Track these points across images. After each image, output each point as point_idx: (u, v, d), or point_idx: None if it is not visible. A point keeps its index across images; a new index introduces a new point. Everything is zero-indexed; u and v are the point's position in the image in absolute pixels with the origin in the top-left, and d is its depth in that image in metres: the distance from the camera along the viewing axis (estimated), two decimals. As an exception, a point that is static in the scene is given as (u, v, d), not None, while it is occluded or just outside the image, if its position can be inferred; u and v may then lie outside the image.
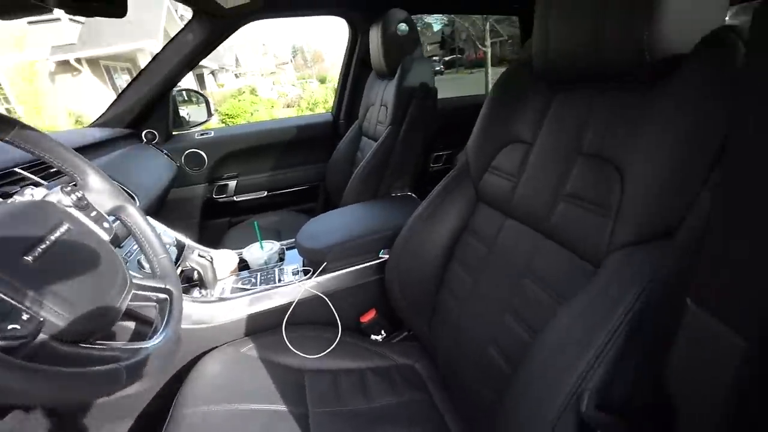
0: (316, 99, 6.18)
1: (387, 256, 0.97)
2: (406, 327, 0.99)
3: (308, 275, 0.95)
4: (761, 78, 0.25)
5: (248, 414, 0.69)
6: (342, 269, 0.97)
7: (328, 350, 0.86)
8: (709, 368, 0.27)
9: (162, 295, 0.61)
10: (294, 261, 1.06)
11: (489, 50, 9.97)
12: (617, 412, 0.38)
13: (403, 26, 1.24)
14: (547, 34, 0.58)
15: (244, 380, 0.77)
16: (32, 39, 9.20)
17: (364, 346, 0.91)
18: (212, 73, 20.01)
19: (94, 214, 0.60)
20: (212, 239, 1.57)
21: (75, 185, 0.61)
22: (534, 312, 0.59)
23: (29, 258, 0.44)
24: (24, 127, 0.54)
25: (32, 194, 0.58)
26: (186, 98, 1.86)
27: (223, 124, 10.44)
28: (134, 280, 0.60)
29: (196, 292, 0.95)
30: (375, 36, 1.32)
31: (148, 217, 0.98)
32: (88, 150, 1.19)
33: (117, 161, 1.23)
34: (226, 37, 1.42)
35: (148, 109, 1.52)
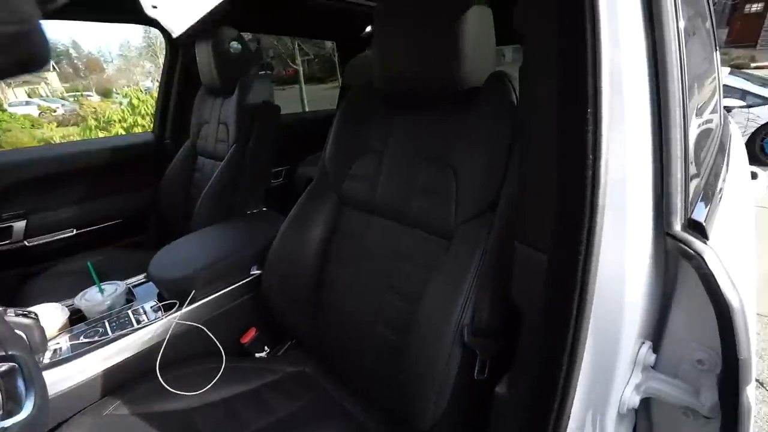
0: (109, 116, 5.13)
1: (259, 272, 0.97)
2: (289, 337, 1.01)
3: (175, 308, 0.87)
4: (526, 106, 0.44)
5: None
6: (213, 293, 0.93)
7: (215, 380, 0.82)
8: (532, 281, 0.45)
9: (4, 366, 0.49)
10: (146, 298, 0.95)
11: (300, 68, 10.35)
12: (485, 334, 0.55)
13: (235, 44, 1.25)
14: (385, 64, 0.73)
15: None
16: None
17: (252, 366, 0.90)
18: None
19: None
20: (8, 299, 1.19)
21: None
22: (409, 284, 0.74)
23: None
24: None
25: None
26: None
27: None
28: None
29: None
30: (205, 53, 1.28)
31: None
32: None
33: None
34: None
35: None
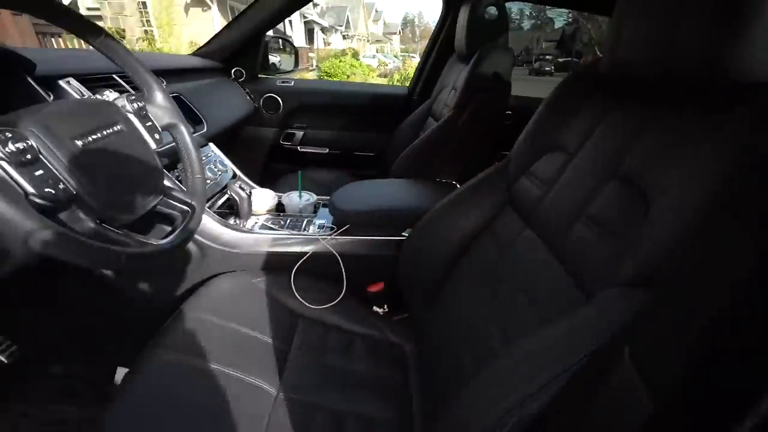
0: (410, 75, 6.13)
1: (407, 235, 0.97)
2: (409, 309, 1.00)
3: (331, 232, 0.99)
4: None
5: (237, 335, 0.76)
6: (363, 236, 1.00)
7: (328, 305, 0.90)
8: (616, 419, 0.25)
9: (185, 208, 0.68)
10: (324, 217, 1.11)
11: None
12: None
13: (492, 10, 1.18)
14: (619, 35, 0.52)
15: (245, 306, 0.84)
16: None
17: (364, 313, 0.94)
18: (322, 30, 20.68)
19: (149, 124, 0.68)
20: (269, 180, 1.68)
21: (141, 97, 0.69)
22: (516, 326, 0.57)
23: (79, 142, 0.52)
24: (108, 36, 0.62)
25: (107, 95, 0.67)
26: (279, 46, 1.97)
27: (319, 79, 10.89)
28: (167, 190, 0.68)
29: (231, 219, 1.04)
30: (463, 15, 1.27)
31: (210, 145, 1.08)
32: (182, 73, 1.33)
33: (201, 88, 1.35)
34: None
35: (241, 48, 1.64)
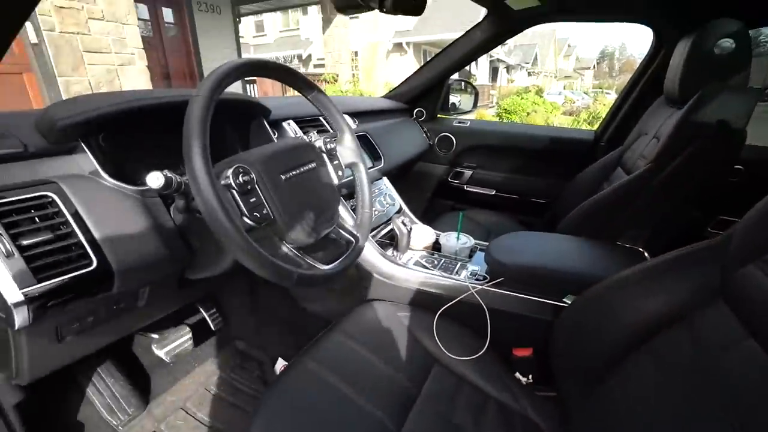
0: (601, 113, 5.47)
1: (568, 303, 0.84)
2: (558, 388, 0.85)
3: (482, 282, 0.95)
4: None
5: (373, 365, 0.79)
6: (517, 293, 0.92)
7: (467, 357, 0.85)
8: None
9: (351, 239, 0.77)
10: (479, 264, 1.07)
11: None
12: None
13: (727, 43, 0.95)
14: None
15: (386, 338, 0.87)
16: (383, 23, 12.03)
17: (504, 377, 0.85)
18: (507, 68, 20.74)
19: (336, 162, 0.80)
20: (432, 214, 1.74)
21: (334, 138, 0.82)
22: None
23: (283, 177, 0.64)
24: (320, 92, 0.76)
25: (311, 136, 0.82)
26: (461, 87, 2.06)
27: (498, 117, 10.86)
28: (339, 220, 0.77)
29: (390, 251, 1.12)
30: (680, 51, 1.06)
31: (383, 179, 1.19)
32: (372, 114, 1.54)
33: (386, 128, 1.52)
34: (511, 36, 1.47)
35: (425, 91, 1.79)
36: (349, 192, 1.06)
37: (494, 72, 19.14)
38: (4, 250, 0.50)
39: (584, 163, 1.56)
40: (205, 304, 1.24)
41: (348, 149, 0.82)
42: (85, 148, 0.66)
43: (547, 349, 0.84)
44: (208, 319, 1.21)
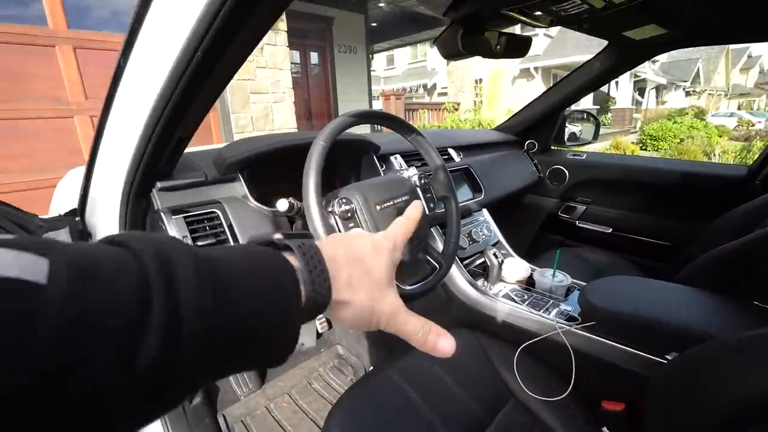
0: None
1: (668, 359, 0.76)
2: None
3: (571, 323, 0.91)
4: None
5: (450, 387, 0.84)
6: (610, 340, 0.86)
7: (547, 398, 0.84)
8: None
9: (435, 265, 0.84)
10: (573, 305, 1.03)
11: None
12: None
13: None
14: None
15: (467, 363, 0.91)
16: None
17: (587, 428, 0.81)
18: (656, 88, 18.13)
19: (429, 195, 0.89)
20: (538, 249, 1.68)
21: (429, 174, 0.92)
22: None
23: (379, 207, 0.76)
24: (418, 134, 0.87)
25: (407, 170, 0.93)
26: (583, 117, 1.97)
27: (641, 144, 9.55)
28: (429, 248, 0.86)
29: (480, 281, 1.15)
30: None
31: (483, 211, 1.24)
32: (479, 147, 1.60)
33: (491, 161, 1.56)
34: (634, 67, 1.38)
35: (538, 122, 1.77)
36: (442, 223, 1.14)
37: (640, 93, 16.93)
38: None
39: (729, 204, 1.34)
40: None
41: (441, 184, 0.90)
42: (241, 178, 0.89)
43: (642, 407, 0.77)
44: (316, 322, 1.41)
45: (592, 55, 1.45)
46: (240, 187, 0.89)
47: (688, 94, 20.57)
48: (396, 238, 0.37)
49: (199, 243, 0.75)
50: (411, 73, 18.22)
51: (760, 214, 1.19)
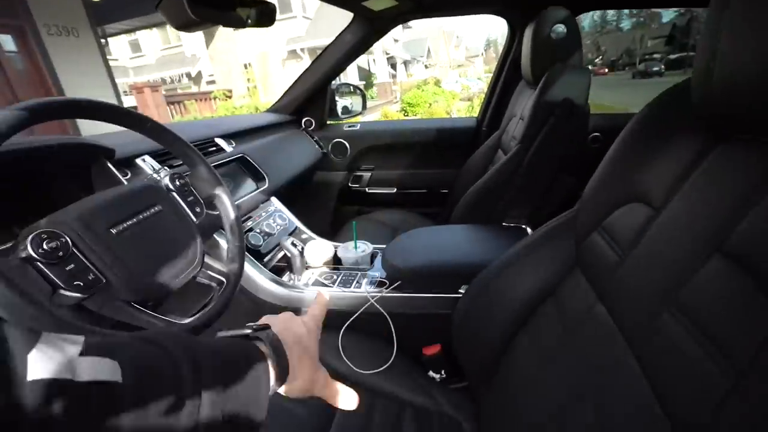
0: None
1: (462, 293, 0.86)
2: (466, 379, 0.87)
3: (380, 289, 0.93)
4: None
5: (278, 406, 0.72)
6: (416, 293, 0.91)
7: (376, 370, 0.82)
8: None
9: (222, 279, 0.69)
10: (379, 269, 1.05)
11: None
12: None
13: (560, 28, 1.04)
14: (716, 45, 0.37)
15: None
16: (272, 32, 11.71)
17: (417, 380, 0.84)
18: (404, 63, 21.52)
19: (191, 198, 0.71)
20: (339, 225, 1.69)
21: (186, 173, 0.73)
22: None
23: (114, 230, 0.54)
24: (153, 124, 0.66)
25: (162, 171, 0.72)
26: (350, 90, 2.04)
27: (403, 112, 11.19)
28: (206, 261, 0.69)
29: (286, 275, 1.05)
30: (527, 37, 1.15)
31: (272, 199, 1.11)
32: (253, 132, 1.44)
33: (269, 145, 1.44)
34: (380, 37, 1.48)
35: (309, 99, 1.73)
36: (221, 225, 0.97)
37: (393, 68, 19.74)
38: None
39: (471, 149, 1.64)
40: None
41: (203, 181, 0.73)
42: None
43: (452, 342, 0.84)
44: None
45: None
46: None
47: (426, 67, 25.28)
48: (317, 321, 0.46)
49: None
50: (167, 61, 15.76)
51: (491, 152, 1.48)
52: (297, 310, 0.95)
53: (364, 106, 2.01)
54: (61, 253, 0.48)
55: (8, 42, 4.81)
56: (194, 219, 0.69)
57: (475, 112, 1.85)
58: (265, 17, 0.94)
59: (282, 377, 0.35)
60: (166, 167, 0.83)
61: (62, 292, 0.47)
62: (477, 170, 1.50)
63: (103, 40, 6.45)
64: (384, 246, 1.14)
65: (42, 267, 0.47)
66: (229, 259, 0.72)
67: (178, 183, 0.69)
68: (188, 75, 14.89)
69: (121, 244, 0.54)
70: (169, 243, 0.62)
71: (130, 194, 0.61)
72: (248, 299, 0.97)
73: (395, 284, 0.91)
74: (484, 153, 1.51)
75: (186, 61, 14.98)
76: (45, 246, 0.47)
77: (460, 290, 0.89)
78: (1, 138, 0.45)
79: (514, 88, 1.48)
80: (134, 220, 0.58)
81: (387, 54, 17.54)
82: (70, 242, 0.49)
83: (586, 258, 0.58)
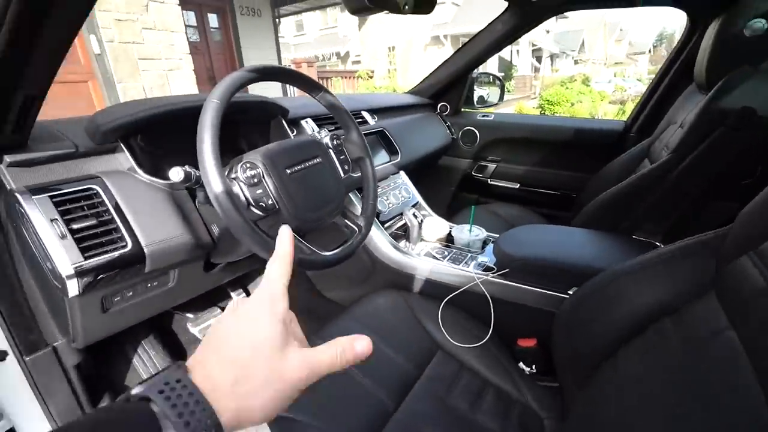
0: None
1: (570, 293, 0.84)
2: (559, 379, 0.86)
3: (488, 273, 0.96)
4: None
5: (378, 349, 0.84)
6: (522, 284, 0.93)
7: (469, 345, 0.88)
8: None
9: (354, 228, 0.81)
10: (489, 256, 1.08)
11: None
12: None
13: (759, 23, 0.89)
14: None
15: (392, 324, 0.91)
16: (420, 17, 11.94)
17: (506, 366, 0.87)
18: (551, 56, 19.83)
19: (342, 157, 0.85)
20: (456, 208, 1.75)
21: (342, 135, 0.87)
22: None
23: (288, 171, 0.70)
24: (326, 92, 0.81)
25: (323, 133, 0.87)
26: (489, 80, 2.04)
27: (540, 109, 10.45)
28: (346, 211, 0.82)
29: (402, 242, 1.16)
30: (710, 34, 1.01)
31: (401, 173, 1.23)
32: (393, 110, 1.57)
33: (406, 123, 1.55)
34: (533, 27, 1.45)
35: (448, 85, 1.80)
36: (359, 186, 1.11)
37: (538, 60, 18.38)
38: (59, 233, 0.60)
39: (612, 155, 1.51)
40: (235, 288, 1.35)
41: (355, 145, 0.86)
42: (123, 148, 0.75)
43: (550, 340, 0.85)
44: (236, 303, 1.32)
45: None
46: (124, 159, 0.75)
47: (576, 62, 22.88)
48: (272, 291, 0.32)
49: (75, 226, 0.62)
50: (323, 41, 17.46)
51: (635, 161, 1.35)
52: (408, 276, 1.05)
53: (501, 98, 1.98)
54: (255, 180, 0.65)
55: (213, 19, 5.96)
56: (342, 174, 0.83)
57: (625, 118, 1.68)
58: (425, 5, 1.02)
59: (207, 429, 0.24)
60: (324, 129, 1.00)
61: (251, 208, 0.64)
62: (614, 178, 1.38)
63: (276, 20, 7.47)
64: (497, 235, 1.16)
65: (243, 186, 0.64)
66: (363, 213, 0.84)
67: (335, 142, 0.84)
68: (337, 54, 16.27)
69: (292, 182, 0.70)
70: (322, 189, 0.77)
71: (302, 145, 0.77)
72: (367, 255, 1.11)
73: (503, 271, 0.94)
74: (626, 161, 1.38)
75: (338, 41, 16.37)
76: (248, 172, 0.64)
77: (570, 291, 0.87)
78: (238, 89, 0.63)
79: (678, 92, 1.31)
80: (303, 165, 0.73)
81: (534, 45, 16.39)
82: (262, 172, 0.66)
83: (727, 281, 0.53)
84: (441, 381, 0.81)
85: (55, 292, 0.70)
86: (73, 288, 0.62)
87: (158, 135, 0.81)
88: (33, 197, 0.61)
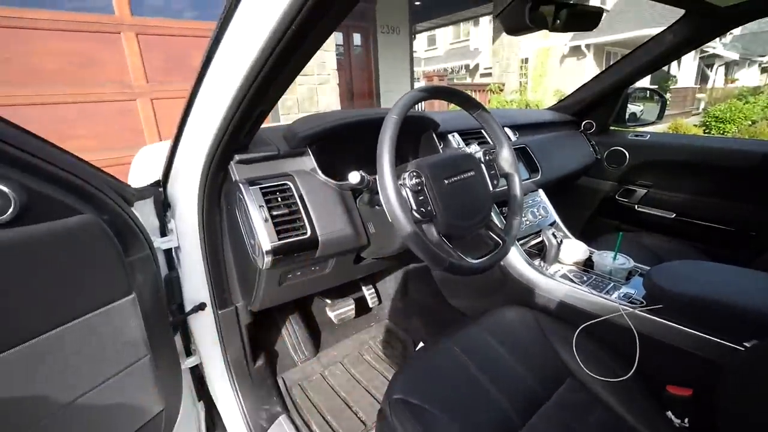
0: None
1: (748, 345, 0.73)
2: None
3: (636, 306, 0.89)
4: None
5: (506, 361, 0.85)
6: (679, 324, 0.83)
7: (608, 379, 0.83)
8: None
9: (498, 240, 0.84)
10: (636, 288, 1.00)
11: None
12: None
13: None
14: None
15: (523, 340, 0.91)
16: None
17: (651, 412, 0.79)
18: (726, 64, 16.46)
19: (492, 172, 0.89)
20: (591, 232, 1.62)
21: (492, 150, 0.91)
22: None
23: (446, 181, 0.77)
24: (484, 110, 0.86)
25: (473, 147, 0.93)
26: (645, 96, 1.85)
27: (705, 128, 8.79)
28: (490, 224, 0.86)
29: (537, 261, 1.14)
30: None
31: (539, 191, 1.23)
32: (534, 127, 1.55)
33: (547, 141, 1.52)
34: (712, 39, 1.27)
35: (597, 102, 1.68)
36: (504, 200, 1.13)
37: (709, 68, 15.45)
38: (264, 216, 0.77)
39: None
40: (366, 284, 1.50)
41: (505, 161, 0.90)
42: (310, 152, 0.93)
43: (714, 395, 0.74)
44: (367, 297, 1.46)
45: (654, 29, 1.34)
46: (309, 161, 0.93)
47: (764, 71, 18.48)
48: None
49: (274, 213, 0.80)
50: (453, 54, 17.68)
51: None
52: (539, 295, 1.04)
53: (660, 116, 1.77)
54: (419, 188, 0.74)
55: (357, 38, 6.60)
56: (491, 188, 0.87)
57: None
58: (588, 21, 0.99)
59: None
60: (471, 144, 1.06)
61: (413, 212, 0.73)
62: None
63: (413, 36, 7.87)
64: (646, 267, 1.06)
65: (408, 192, 0.73)
66: (507, 228, 0.87)
67: (487, 158, 0.89)
68: (466, 67, 16.28)
69: (448, 192, 0.77)
70: (473, 200, 0.82)
71: (459, 158, 0.84)
72: (498, 268, 1.12)
73: (655, 306, 0.86)
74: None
75: (468, 54, 16.38)
76: (414, 179, 0.73)
77: (746, 343, 0.75)
78: (413, 106, 0.73)
79: None
80: (459, 177, 0.80)
81: (703, 52, 13.83)
82: (424, 181, 0.74)
83: None
84: (571, 410, 0.78)
85: (246, 263, 0.90)
86: (267, 261, 0.79)
87: (334, 143, 0.97)
88: (250, 187, 0.81)
